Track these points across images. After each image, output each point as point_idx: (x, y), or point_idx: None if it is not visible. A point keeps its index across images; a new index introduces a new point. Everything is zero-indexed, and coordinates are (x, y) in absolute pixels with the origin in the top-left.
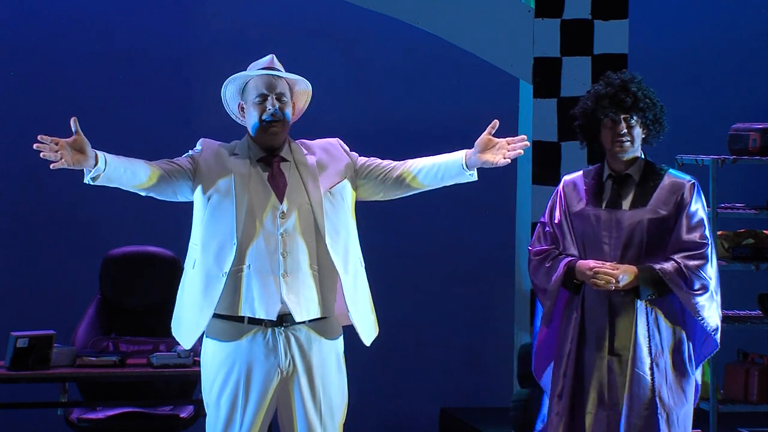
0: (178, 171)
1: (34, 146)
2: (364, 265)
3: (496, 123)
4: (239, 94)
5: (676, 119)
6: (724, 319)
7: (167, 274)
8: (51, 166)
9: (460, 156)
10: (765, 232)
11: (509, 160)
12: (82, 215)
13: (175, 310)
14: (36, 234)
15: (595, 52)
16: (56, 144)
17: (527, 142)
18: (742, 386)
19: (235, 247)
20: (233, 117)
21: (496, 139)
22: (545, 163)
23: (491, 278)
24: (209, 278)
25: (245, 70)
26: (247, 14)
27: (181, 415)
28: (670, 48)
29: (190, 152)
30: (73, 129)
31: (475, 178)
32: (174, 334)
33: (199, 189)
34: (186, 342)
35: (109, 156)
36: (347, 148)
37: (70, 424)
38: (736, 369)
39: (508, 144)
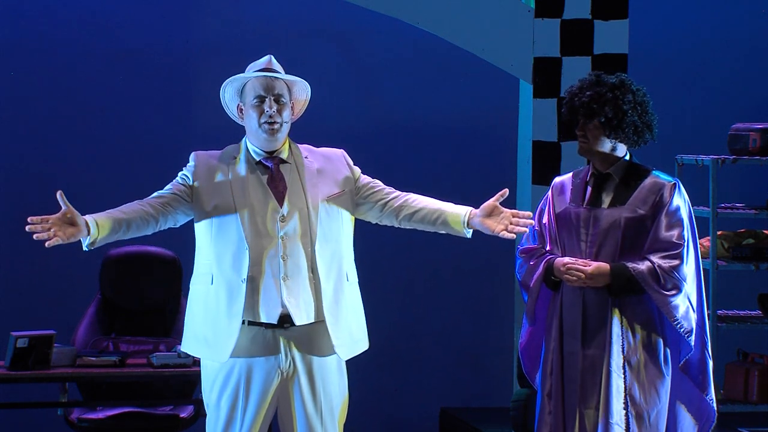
0: (173, 200)
1: (26, 228)
2: (355, 280)
3: (505, 192)
4: (238, 95)
5: (676, 119)
6: (724, 319)
7: (167, 274)
8: (46, 245)
9: (463, 212)
10: (765, 232)
11: (513, 235)
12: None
13: (188, 331)
14: None
15: (595, 52)
16: (47, 222)
17: (532, 221)
18: (742, 386)
19: (247, 251)
20: (233, 118)
21: (502, 208)
22: (545, 163)
23: (491, 278)
24: (231, 287)
25: (245, 70)
26: (247, 14)
27: (181, 415)
28: (670, 48)
29: (184, 170)
30: (60, 203)
31: (469, 236)
32: (198, 354)
33: (199, 207)
34: (222, 355)
35: (100, 219)
36: (351, 162)
37: (70, 424)
38: (736, 369)
39: (513, 216)
